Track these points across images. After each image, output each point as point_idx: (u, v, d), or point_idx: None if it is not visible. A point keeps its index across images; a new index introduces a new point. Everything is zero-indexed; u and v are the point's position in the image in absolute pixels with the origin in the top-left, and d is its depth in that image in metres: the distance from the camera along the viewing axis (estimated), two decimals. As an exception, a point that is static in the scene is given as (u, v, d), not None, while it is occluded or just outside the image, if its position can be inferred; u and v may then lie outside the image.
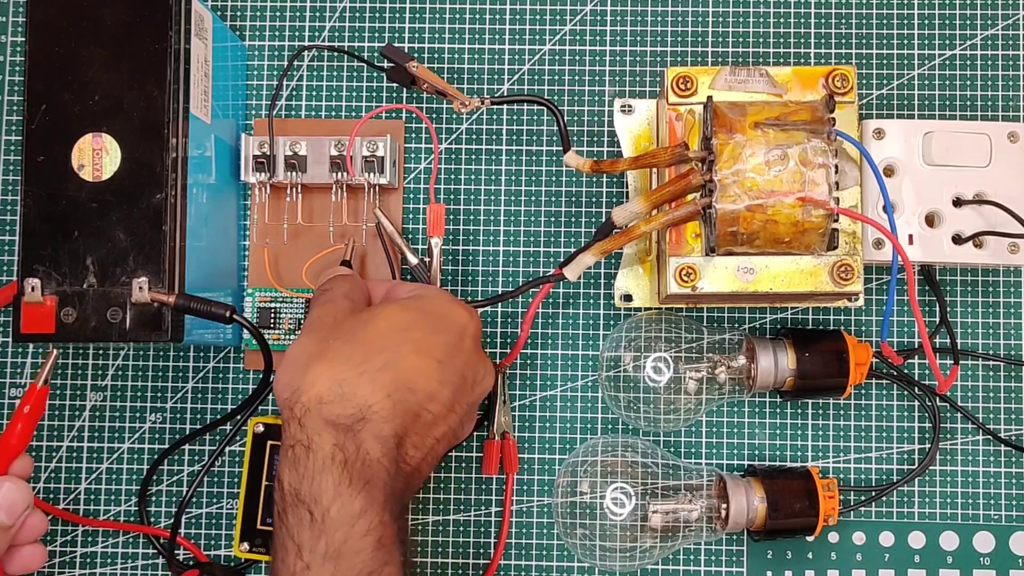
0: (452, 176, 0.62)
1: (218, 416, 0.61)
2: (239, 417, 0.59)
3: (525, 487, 0.60)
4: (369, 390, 0.46)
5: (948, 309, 0.60)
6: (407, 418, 0.47)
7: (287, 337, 0.60)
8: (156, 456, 0.61)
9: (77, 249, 0.52)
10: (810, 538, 0.59)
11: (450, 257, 0.62)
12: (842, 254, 0.52)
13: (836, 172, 0.51)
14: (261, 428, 0.59)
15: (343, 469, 0.44)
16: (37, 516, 0.52)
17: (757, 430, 0.60)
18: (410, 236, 0.62)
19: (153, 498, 0.61)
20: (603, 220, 0.58)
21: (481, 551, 0.60)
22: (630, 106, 0.59)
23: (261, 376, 0.59)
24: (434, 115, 0.63)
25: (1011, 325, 0.61)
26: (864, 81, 0.62)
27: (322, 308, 0.51)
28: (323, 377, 0.46)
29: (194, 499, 0.61)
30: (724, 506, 0.56)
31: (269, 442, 0.59)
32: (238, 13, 0.63)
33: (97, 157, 0.53)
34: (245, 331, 0.60)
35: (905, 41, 0.62)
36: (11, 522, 0.50)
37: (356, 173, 0.59)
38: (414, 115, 0.62)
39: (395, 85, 0.62)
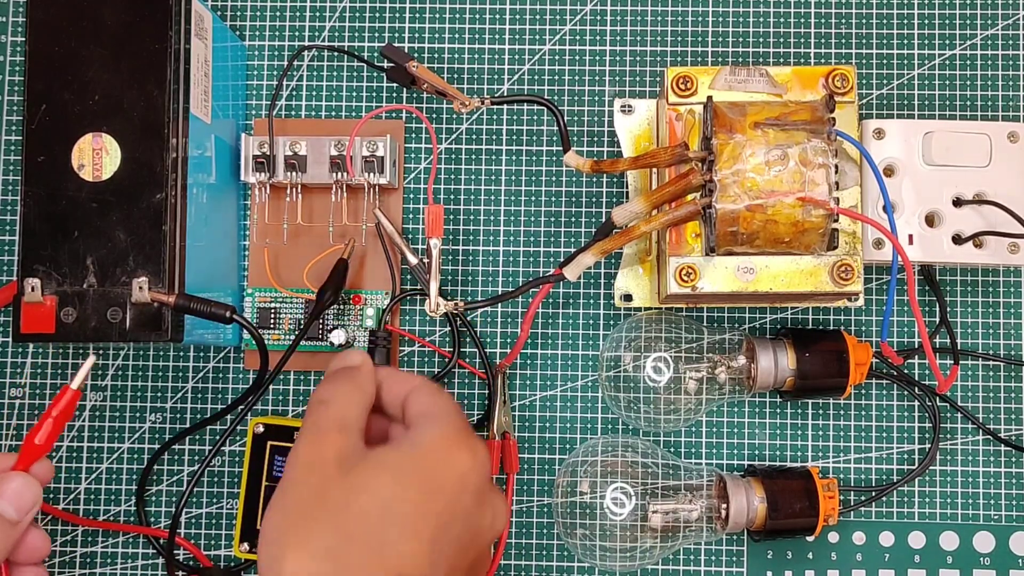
0: (452, 176, 0.62)
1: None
2: (229, 417, 0.59)
3: (525, 487, 0.60)
4: None
5: (948, 309, 0.60)
6: None
7: (287, 337, 0.60)
8: (151, 456, 0.61)
9: (77, 249, 0.52)
10: (810, 538, 0.59)
11: (450, 257, 0.62)
12: (842, 254, 0.52)
13: (836, 172, 0.51)
14: (261, 428, 0.59)
15: None
16: (40, 535, 0.50)
17: (757, 430, 0.60)
18: (410, 236, 0.62)
19: (153, 498, 0.61)
20: (603, 220, 0.58)
21: (481, 551, 0.60)
22: (630, 106, 0.59)
23: (256, 375, 0.59)
24: (434, 115, 0.63)
25: (1011, 325, 0.61)
26: (864, 81, 0.62)
27: (307, 448, 0.45)
28: (301, 572, 0.42)
29: (194, 499, 0.61)
30: (724, 506, 0.56)
31: (269, 442, 0.59)
32: (238, 13, 0.64)
33: (97, 157, 0.53)
34: (245, 331, 0.60)
35: (905, 41, 0.62)
36: (18, 517, 0.48)
37: (356, 173, 0.59)
38: (414, 115, 0.62)
39: (395, 85, 0.62)
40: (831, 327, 0.61)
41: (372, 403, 0.48)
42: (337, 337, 0.59)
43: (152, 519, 0.61)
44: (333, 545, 0.42)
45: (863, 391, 0.61)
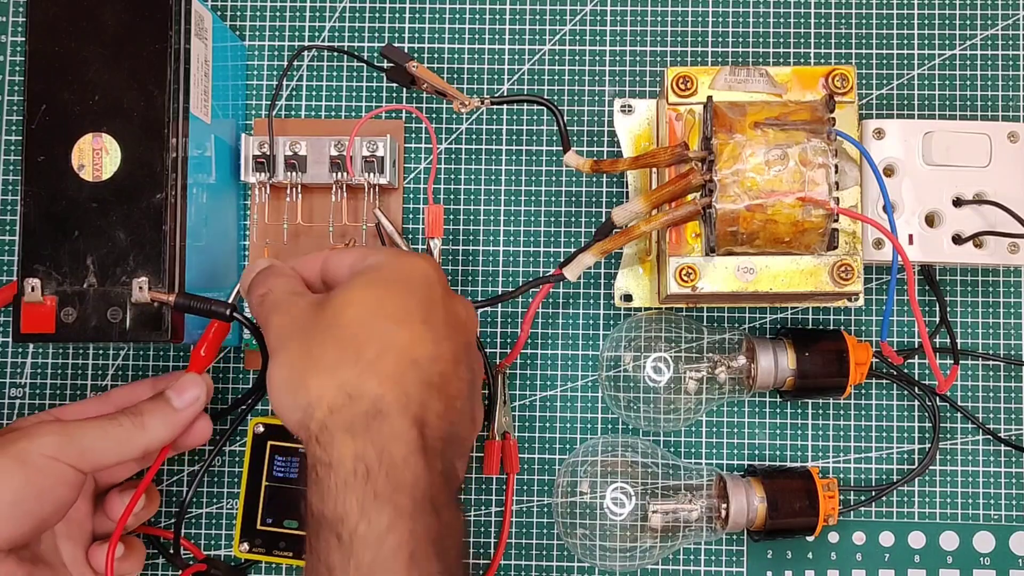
0: (452, 176, 0.62)
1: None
2: (230, 417, 0.59)
3: (525, 487, 0.60)
4: (376, 383, 0.43)
5: (948, 309, 0.60)
6: (422, 393, 0.44)
7: (287, 337, 0.60)
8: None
9: (77, 249, 0.52)
10: (810, 538, 0.59)
11: (450, 257, 0.62)
12: (842, 254, 0.52)
13: (836, 172, 0.51)
14: (261, 428, 0.59)
15: (366, 483, 0.42)
16: (204, 425, 0.54)
17: (757, 430, 0.60)
18: (410, 236, 0.62)
19: (153, 498, 0.61)
20: (603, 220, 0.58)
21: (481, 551, 0.60)
22: (630, 106, 0.59)
23: (257, 375, 0.59)
24: (434, 115, 0.63)
25: (1011, 325, 0.61)
26: (864, 81, 0.62)
27: (277, 317, 0.48)
28: (327, 387, 0.44)
29: (194, 499, 0.61)
30: (724, 506, 0.56)
31: (269, 442, 0.59)
32: (238, 13, 0.64)
33: (97, 157, 0.53)
34: (245, 331, 0.60)
35: (905, 41, 0.62)
36: (181, 406, 0.52)
37: (356, 173, 0.59)
38: (414, 115, 0.62)
39: (395, 85, 0.62)
40: (831, 327, 0.61)
41: (299, 277, 0.51)
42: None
43: (152, 518, 0.61)
44: (341, 355, 0.44)
45: (863, 391, 0.61)
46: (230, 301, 0.53)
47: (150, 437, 0.51)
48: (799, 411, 0.61)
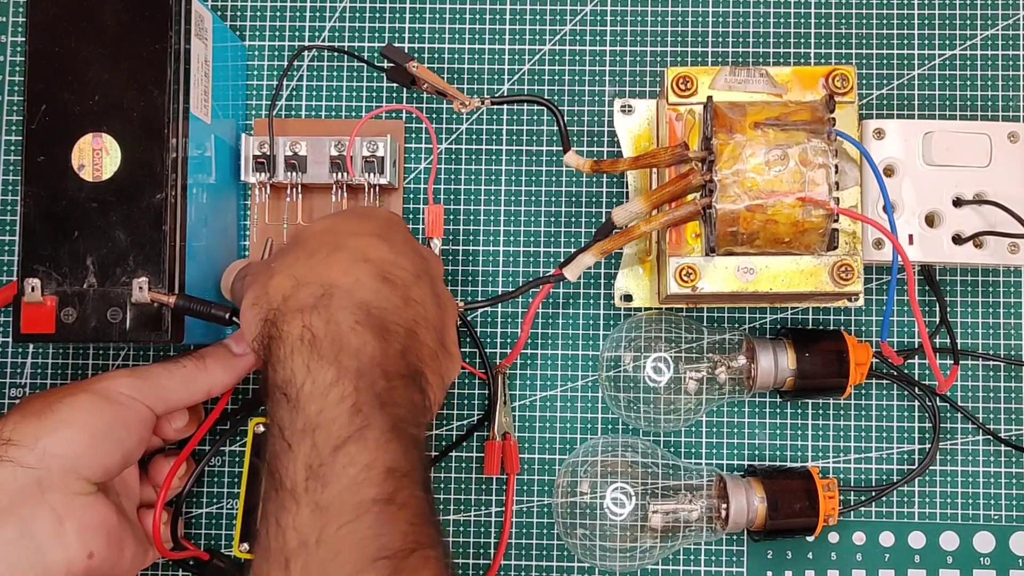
0: (452, 176, 0.62)
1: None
2: (239, 417, 0.59)
3: (525, 487, 0.60)
4: (326, 271, 0.46)
5: (948, 309, 0.60)
6: (374, 281, 0.46)
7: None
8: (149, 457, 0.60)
9: (77, 249, 0.52)
10: (810, 538, 0.59)
11: (450, 257, 0.62)
12: (842, 254, 0.52)
13: (836, 172, 0.51)
14: (261, 428, 0.59)
15: (312, 347, 0.43)
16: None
17: (757, 430, 0.60)
18: (410, 236, 0.62)
19: (153, 498, 0.61)
20: (603, 220, 0.58)
21: (481, 551, 0.60)
22: (630, 106, 0.59)
23: (260, 376, 0.59)
24: (434, 115, 0.63)
25: (1011, 325, 0.61)
26: (864, 81, 0.62)
27: (250, 273, 0.51)
28: (282, 281, 0.46)
29: (194, 499, 0.61)
30: (724, 506, 0.56)
31: (269, 442, 0.59)
32: (238, 13, 0.63)
33: (97, 157, 0.53)
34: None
35: (905, 41, 0.62)
36: (239, 351, 0.54)
37: (356, 173, 0.59)
38: (414, 115, 0.62)
39: (395, 85, 0.62)
40: (831, 327, 0.61)
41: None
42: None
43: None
44: (298, 256, 0.47)
45: (863, 391, 0.61)
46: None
47: (212, 379, 0.54)
48: (799, 411, 0.61)
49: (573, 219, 0.62)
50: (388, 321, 0.45)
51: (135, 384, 0.51)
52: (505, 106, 0.62)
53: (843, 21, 0.63)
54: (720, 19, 0.63)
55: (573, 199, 0.62)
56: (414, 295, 0.47)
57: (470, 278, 0.62)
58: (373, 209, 0.52)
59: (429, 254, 0.52)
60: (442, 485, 0.60)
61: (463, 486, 0.60)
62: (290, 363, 0.43)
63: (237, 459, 0.61)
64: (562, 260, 0.56)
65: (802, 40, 0.63)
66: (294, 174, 0.59)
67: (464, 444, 0.60)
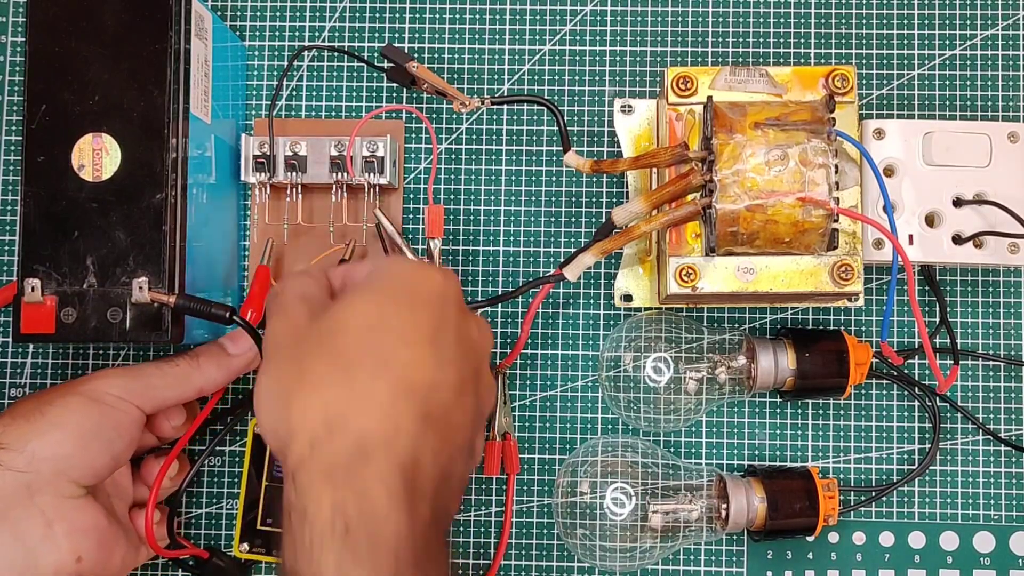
0: (452, 176, 0.62)
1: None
2: (230, 418, 0.59)
3: (525, 487, 0.60)
4: (364, 412, 0.40)
5: (948, 309, 0.60)
6: (416, 427, 0.40)
7: (287, 337, 0.60)
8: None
9: (77, 249, 0.52)
10: (810, 538, 0.59)
11: (450, 257, 0.62)
12: (842, 254, 0.52)
13: (836, 172, 0.51)
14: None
15: (344, 540, 0.38)
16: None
17: (757, 430, 0.61)
18: (410, 236, 0.62)
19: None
20: (603, 220, 0.58)
21: (481, 551, 0.60)
22: (630, 106, 0.59)
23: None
24: (434, 115, 0.63)
25: (1011, 325, 0.61)
26: (864, 81, 0.62)
27: (276, 321, 0.45)
28: (310, 411, 0.40)
29: (193, 499, 0.61)
30: (724, 506, 0.56)
31: (269, 442, 0.59)
32: (238, 13, 0.63)
33: (97, 157, 0.53)
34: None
35: (905, 41, 0.62)
36: (233, 351, 0.54)
37: (356, 173, 0.59)
38: (414, 115, 0.62)
39: (395, 85, 0.62)
40: (831, 327, 0.61)
41: (328, 285, 0.49)
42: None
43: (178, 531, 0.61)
44: (330, 373, 0.41)
45: (863, 391, 0.61)
46: None
47: (205, 377, 0.53)
48: (799, 411, 0.61)
49: (573, 219, 0.62)
50: (424, 481, 0.41)
51: (125, 384, 0.51)
52: (505, 106, 0.62)
53: (843, 21, 0.63)
54: (720, 19, 0.63)
55: (573, 199, 0.62)
56: (453, 421, 0.43)
57: (470, 278, 0.62)
58: (427, 281, 0.44)
59: (481, 335, 0.46)
60: (442, 485, 0.60)
61: (454, 518, 0.60)
62: (318, 557, 0.39)
63: (236, 459, 0.61)
64: (562, 260, 0.56)
65: (802, 40, 0.63)
66: (294, 174, 0.59)
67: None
